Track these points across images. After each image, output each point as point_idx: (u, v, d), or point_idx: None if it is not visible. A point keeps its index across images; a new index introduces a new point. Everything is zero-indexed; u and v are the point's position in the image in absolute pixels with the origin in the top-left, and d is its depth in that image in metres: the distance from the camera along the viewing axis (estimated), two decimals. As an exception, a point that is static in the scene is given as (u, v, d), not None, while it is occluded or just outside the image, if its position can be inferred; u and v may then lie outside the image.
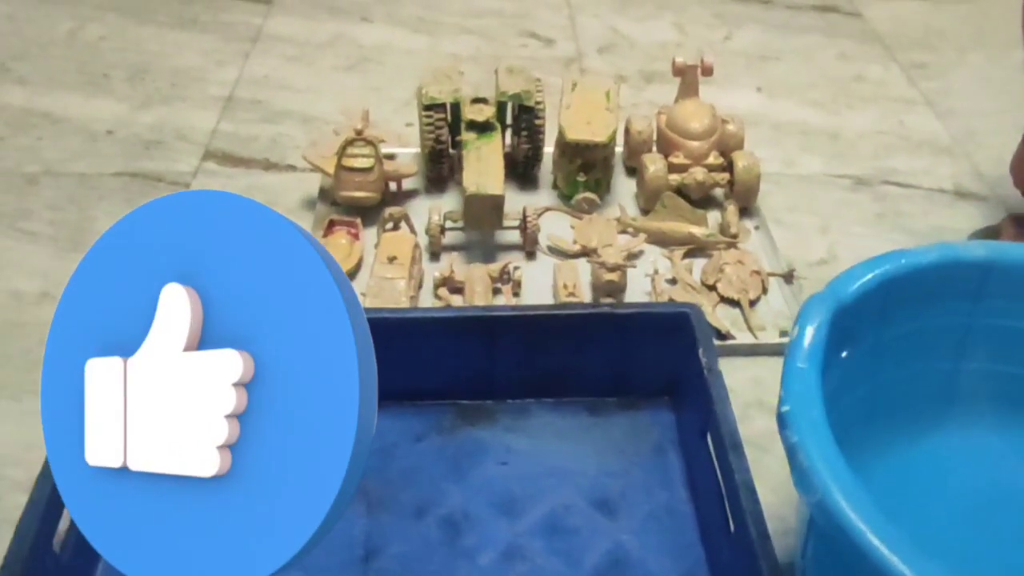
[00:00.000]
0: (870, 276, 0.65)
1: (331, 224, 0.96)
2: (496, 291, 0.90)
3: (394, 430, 0.78)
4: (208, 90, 1.22)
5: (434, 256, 0.95)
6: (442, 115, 0.99)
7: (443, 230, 0.94)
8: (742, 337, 0.87)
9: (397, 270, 0.86)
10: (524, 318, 0.78)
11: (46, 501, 0.62)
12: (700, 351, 0.73)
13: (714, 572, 0.68)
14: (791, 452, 0.55)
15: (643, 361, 0.79)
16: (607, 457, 0.76)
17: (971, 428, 0.72)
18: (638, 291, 0.90)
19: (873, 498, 0.51)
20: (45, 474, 0.64)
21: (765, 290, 0.91)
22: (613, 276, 0.86)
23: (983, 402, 0.72)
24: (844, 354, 0.65)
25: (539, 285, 0.91)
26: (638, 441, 0.78)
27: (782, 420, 0.57)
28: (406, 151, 1.07)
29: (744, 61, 1.32)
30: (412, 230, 0.96)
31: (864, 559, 0.49)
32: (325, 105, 1.20)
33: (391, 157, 1.04)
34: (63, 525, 0.64)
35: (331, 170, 0.97)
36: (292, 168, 1.08)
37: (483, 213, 0.92)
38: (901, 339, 0.69)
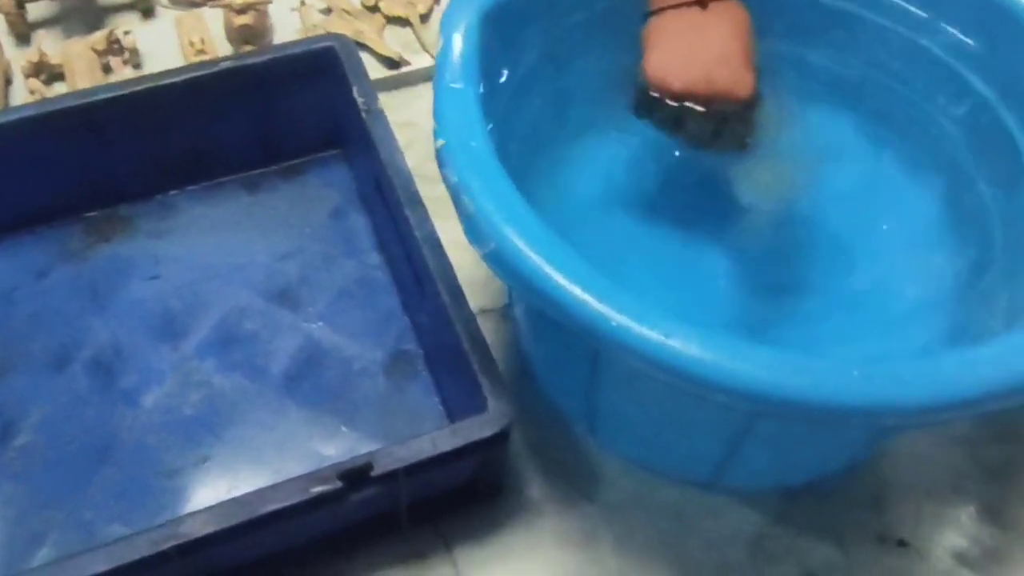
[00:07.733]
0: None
1: None
2: (108, 68, 0.71)
3: (9, 270, 0.62)
4: None
5: (21, 39, 0.74)
6: None
7: (21, 3, 0.73)
8: (418, 61, 0.74)
9: (-38, 67, 0.66)
10: (134, 96, 0.61)
11: None
12: (355, 90, 0.61)
13: (421, 339, 0.60)
14: (454, 194, 0.45)
15: (295, 115, 0.65)
16: (277, 238, 0.64)
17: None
18: (289, 31, 0.75)
19: (558, 238, 0.42)
20: None
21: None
22: (247, 19, 0.70)
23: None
24: (507, 72, 0.54)
25: (164, 48, 0.74)
26: (311, 210, 0.66)
27: (440, 157, 0.46)
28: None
29: None
30: (-19, 9, 0.74)
31: (558, 310, 0.40)
32: None
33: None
34: None
35: None
36: None
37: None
38: (574, 29, 0.58)
